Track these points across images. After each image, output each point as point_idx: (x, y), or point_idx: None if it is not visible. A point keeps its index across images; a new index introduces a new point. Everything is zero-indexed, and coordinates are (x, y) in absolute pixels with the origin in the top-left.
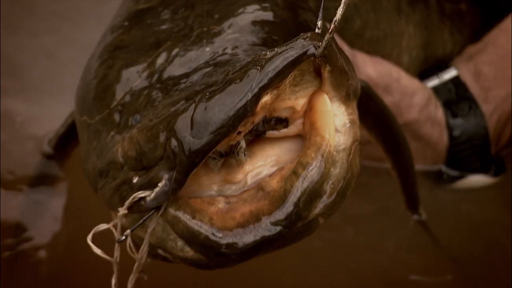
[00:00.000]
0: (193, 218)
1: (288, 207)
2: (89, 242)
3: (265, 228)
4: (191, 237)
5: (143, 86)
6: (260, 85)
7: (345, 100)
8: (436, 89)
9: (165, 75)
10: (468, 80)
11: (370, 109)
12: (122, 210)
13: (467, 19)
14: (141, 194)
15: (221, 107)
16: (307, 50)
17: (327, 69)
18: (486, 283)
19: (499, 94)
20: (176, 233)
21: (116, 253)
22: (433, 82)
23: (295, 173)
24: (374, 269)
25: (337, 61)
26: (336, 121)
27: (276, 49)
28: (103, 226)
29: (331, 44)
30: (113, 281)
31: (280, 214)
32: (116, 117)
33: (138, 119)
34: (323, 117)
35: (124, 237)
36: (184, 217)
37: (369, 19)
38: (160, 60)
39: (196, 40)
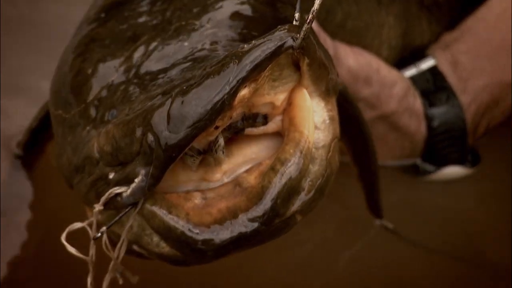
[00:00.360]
0: (169, 213)
1: (266, 203)
2: (64, 241)
3: (242, 224)
4: (167, 232)
5: (120, 81)
6: (238, 78)
7: (325, 95)
8: (413, 79)
9: (143, 70)
10: (445, 69)
11: (345, 112)
12: (98, 207)
13: (445, 8)
14: (117, 190)
15: (198, 101)
16: (285, 42)
17: (306, 61)
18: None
19: (477, 84)
20: (152, 228)
21: (92, 251)
22: (411, 71)
23: (273, 169)
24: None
25: (315, 53)
26: (315, 117)
27: (253, 41)
28: (77, 225)
29: (309, 36)
30: (89, 280)
31: (257, 211)
32: (92, 112)
33: (115, 114)
34: (302, 113)
35: (100, 234)
36: (160, 212)
37: (351, 10)
38: (138, 54)
39: (174, 35)
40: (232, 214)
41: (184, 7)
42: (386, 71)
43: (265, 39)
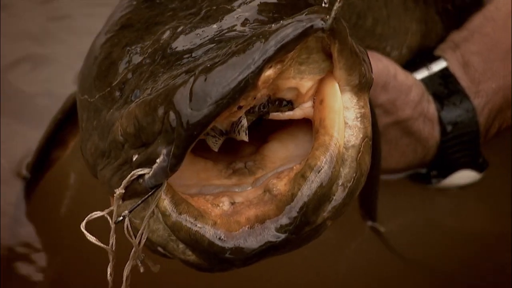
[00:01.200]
0: (196, 224)
1: (296, 212)
2: (83, 230)
3: (271, 234)
4: (194, 243)
5: (146, 62)
6: (264, 57)
7: (357, 90)
8: (425, 81)
9: (169, 51)
10: (457, 71)
11: None
12: (119, 190)
13: (458, 11)
14: (139, 171)
15: (222, 79)
16: (314, 23)
17: (336, 46)
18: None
19: (490, 87)
20: (178, 239)
21: (112, 239)
22: (423, 74)
23: (303, 176)
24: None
25: (347, 38)
26: (346, 113)
27: (282, 21)
28: (97, 214)
29: (340, 19)
30: (109, 270)
31: (286, 220)
32: (117, 94)
33: (138, 94)
34: (332, 113)
35: (121, 218)
36: (187, 222)
37: (381, 15)
38: (165, 36)
39: (203, 18)
40: (261, 222)
41: None
42: (404, 77)
43: (294, 19)
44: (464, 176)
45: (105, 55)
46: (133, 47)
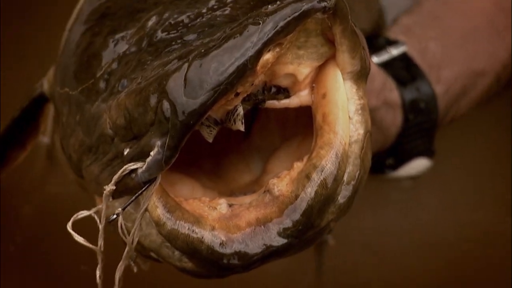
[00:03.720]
0: (193, 231)
1: (300, 216)
2: (70, 230)
3: (273, 238)
4: (193, 252)
5: (132, 51)
6: (263, 40)
7: (357, 78)
8: (386, 65)
9: (156, 38)
10: (415, 56)
11: None
12: (109, 187)
13: None
14: (131, 166)
15: (219, 64)
16: (314, 3)
17: (339, 26)
18: None
19: (450, 73)
20: (175, 248)
21: (101, 240)
22: (383, 57)
23: (307, 177)
24: None
25: (348, 16)
26: (348, 106)
27: (279, 2)
28: (84, 213)
29: None
30: (98, 272)
31: (289, 223)
32: (102, 85)
33: (125, 84)
34: (336, 109)
35: (115, 216)
36: (183, 229)
37: None
38: (151, 23)
39: (191, 2)
40: (263, 226)
41: None
42: None
43: None
44: (418, 165)
45: (86, 45)
46: (116, 36)
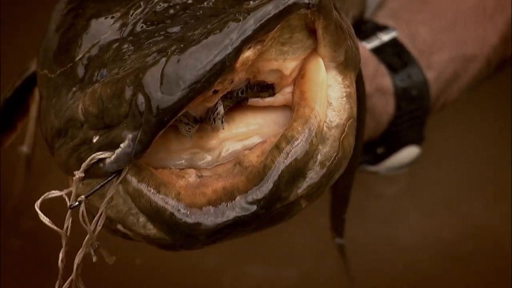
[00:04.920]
0: (158, 192)
1: (267, 185)
2: (37, 210)
3: (239, 207)
4: (155, 214)
5: (113, 38)
6: (242, 37)
7: (343, 69)
8: (377, 51)
9: (139, 27)
10: (405, 42)
11: None
12: (78, 174)
13: None
14: (100, 155)
15: (196, 61)
16: None
17: (321, 22)
18: None
19: (441, 59)
20: (138, 208)
21: (67, 223)
22: (374, 43)
23: (277, 148)
24: None
25: (332, 13)
26: (330, 92)
27: None
28: (54, 193)
29: None
30: (60, 255)
31: (257, 193)
32: (80, 71)
33: (104, 73)
34: (314, 87)
35: (77, 203)
36: (148, 190)
37: None
38: (135, 10)
39: None
40: (229, 195)
41: None
42: (360, 49)
43: None
44: (409, 153)
45: (68, 26)
46: (99, 20)
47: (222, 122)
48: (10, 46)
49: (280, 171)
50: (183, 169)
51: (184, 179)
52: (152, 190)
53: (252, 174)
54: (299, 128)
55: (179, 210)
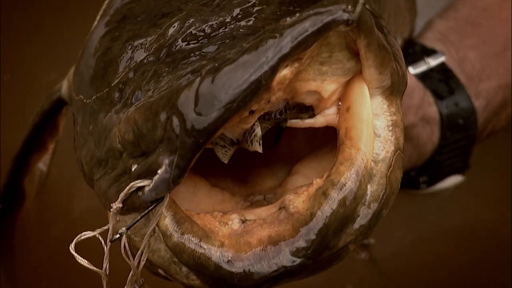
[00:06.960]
0: (201, 244)
1: (314, 234)
2: (72, 251)
3: (285, 258)
4: (199, 268)
5: (150, 60)
6: (279, 55)
7: (389, 94)
8: (423, 76)
9: (175, 48)
10: (454, 67)
11: None
12: (116, 204)
13: None
14: (138, 183)
15: (231, 80)
16: (336, 15)
17: (363, 40)
18: None
19: (490, 87)
20: (180, 261)
21: (106, 262)
22: (421, 68)
23: (324, 194)
24: None
25: (373, 28)
26: (376, 122)
27: (298, 14)
28: (89, 234)
29: (366, 10)
30: None
31: (303, 242)
32: (116, 95)
33: (139, 96)
34: (360, 123)
35: (118, 236)
36: (189, 244)
37: (388, 4)
38: (172, 31)
39: (216, 10)
40: (275, 245)
41: None
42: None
43: (312, 11)
44: (451, 181)
45: (104, 50)
46: (135, 42)
47: (259, 144)
48: (11, 49)
49: (327, 220)
50: (226, 214)
51: (227, 226)
52: (194, 244)
53: (299, 223)
54: (346, 172)
55: (223, 262)
